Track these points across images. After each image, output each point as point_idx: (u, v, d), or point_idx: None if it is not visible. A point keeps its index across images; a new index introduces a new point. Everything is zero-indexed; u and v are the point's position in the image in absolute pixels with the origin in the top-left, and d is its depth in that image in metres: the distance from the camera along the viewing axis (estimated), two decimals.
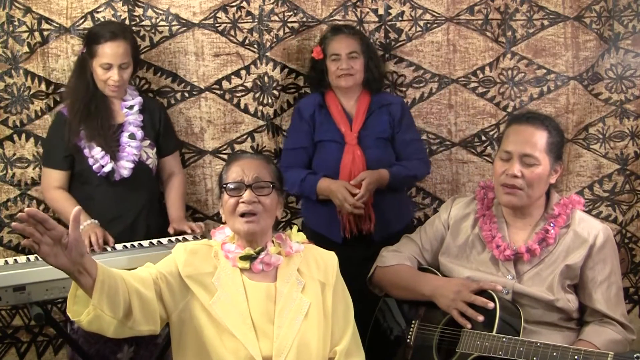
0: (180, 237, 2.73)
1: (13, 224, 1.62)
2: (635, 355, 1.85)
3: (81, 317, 1.78)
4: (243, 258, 2.05)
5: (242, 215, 2.04)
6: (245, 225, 2.04)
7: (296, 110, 3.10)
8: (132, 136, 2.83)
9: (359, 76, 3.01)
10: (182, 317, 2.00)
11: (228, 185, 2.07)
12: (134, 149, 2.82)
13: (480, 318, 2.15)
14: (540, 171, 2.22)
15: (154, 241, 2.68)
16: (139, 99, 2.89)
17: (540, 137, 2.23)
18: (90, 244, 2.60)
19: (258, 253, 2.06)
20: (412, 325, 2.37)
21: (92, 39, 2.77)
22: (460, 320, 2.19)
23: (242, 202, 2.04)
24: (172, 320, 2.00)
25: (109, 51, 2.73)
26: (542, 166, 2.22)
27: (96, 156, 2.75)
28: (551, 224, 2.26)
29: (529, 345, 2.02)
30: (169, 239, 2.72)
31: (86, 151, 2.77)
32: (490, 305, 2.15)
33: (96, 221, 2.71)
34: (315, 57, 3.05)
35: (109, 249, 2.62)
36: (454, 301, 2.21)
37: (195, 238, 2.69)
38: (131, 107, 2.87)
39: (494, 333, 2.10)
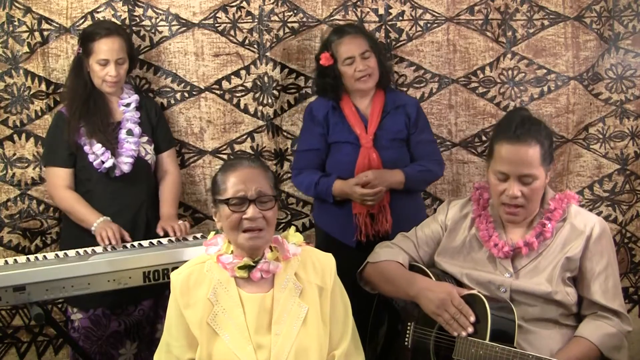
0: (172, 238, 2.72)
1: None
2: None
3: None
4: (241, 267, 2.02)
5: (246, 230, 2.00)
6: (249, 241, 2.00)
7: (307, 112, 3.01)
8: (129, 132, 2.85)
9: (376, 74, 2.92)
10: None
11: (230, 200, 2.01)
12: (132, 144, 2.83)
13: (470, 329, 2.13)
14: (538, 184, 2.21)
15: (154, 241, 2.68)
16: (135, 97, 2.91)
17: (534, 154, 2.19)
18: (109, 240, 2.60)
19: (256, 262, 2.03)
20: (408, 328, 2.36)
21: (87, 38, 2.79)
22: (447, 328, 2.19)
23: (246, 218, 1.99)
24: None
25: (105, 47, 2.76)
26: (540, 179, 2.22)
27: (97, 152, 2.77)
28: (548, 219, 2.27)
29: (522, 356, 2.02)
30: (169, 239, 2.72)
31: (86, 148, 2.77)
32: (472, 318, 2.14)
33: (108, 218, 2.71)
34: (325, 64, 2.92)
35: (117, 247, 2.61)
36: (439, 309, 2.20)
37: (185, 239, 2.70)
38: (128, 105, 2.89)
39: (487, 341, 2.09)
